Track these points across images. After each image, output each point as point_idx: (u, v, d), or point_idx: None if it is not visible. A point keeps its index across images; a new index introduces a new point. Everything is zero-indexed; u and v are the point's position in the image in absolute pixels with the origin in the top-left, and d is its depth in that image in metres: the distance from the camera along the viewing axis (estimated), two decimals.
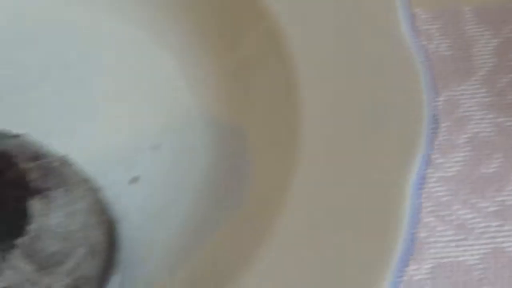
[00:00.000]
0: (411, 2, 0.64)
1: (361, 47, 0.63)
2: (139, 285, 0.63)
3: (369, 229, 0.56)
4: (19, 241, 0.53)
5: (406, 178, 0.56)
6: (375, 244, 0.55)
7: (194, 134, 0.68)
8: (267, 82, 0.66)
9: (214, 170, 0.66)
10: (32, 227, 0.53)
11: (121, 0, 0.73)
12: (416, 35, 0.62)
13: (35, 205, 0.54)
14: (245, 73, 0.68)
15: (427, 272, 0.64)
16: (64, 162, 0.56)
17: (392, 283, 0.52)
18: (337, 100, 0.62)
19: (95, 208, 0.59)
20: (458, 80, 0.72)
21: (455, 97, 0.71)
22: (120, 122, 0.68)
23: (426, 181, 0.60)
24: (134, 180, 0.66)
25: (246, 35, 0.69)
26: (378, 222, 0.56)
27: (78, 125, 0.66)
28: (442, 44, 0.73)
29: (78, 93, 0.71)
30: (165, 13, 0.72)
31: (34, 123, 0.64)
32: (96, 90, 0.71)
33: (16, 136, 0.57)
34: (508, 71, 0.72)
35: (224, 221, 0.64)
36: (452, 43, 0.73)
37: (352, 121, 0.60)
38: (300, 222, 0.59)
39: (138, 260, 0.64)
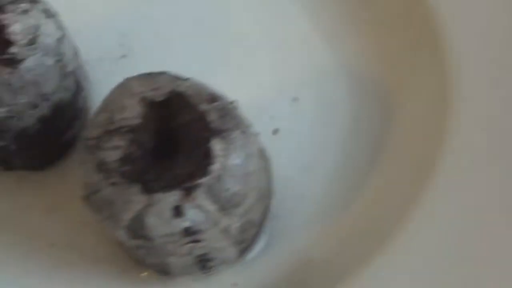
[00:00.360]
0: None
1: None
2: (287, 237, 0.63)
3: None
4: (203, 180, 0.53)
5: None
6: None
7: (332, 88, 0.69)
8: (409, 39, 0.67)
9: (355, 124, 0.67)
10: (215, 167, 0.53)
11: None
12: None
13: (216, 145, 0.54)
14: (384, 30, 0.69)
15: None
16: (236, 104, 0.56)
17: None
18: (493, 65, 0.63)
19: (261, 153, 0.59)
20: None
21: None
22: (259, 76, 0.69)
23: None
24: (276, 131, 0.66)
25: None
26: None
27: (220, 78, 0.65)
28: None
29: (218, 48, 0.72)
30: None
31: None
32: (235, 45, 0.72)
33: (187, 79, 0.57)
34: None
35: (373, 176, 0.64)
36: None
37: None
38: (450, 192, 0.60)
39: (286, 212, 0.64)
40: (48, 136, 0.62)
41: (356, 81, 0.69)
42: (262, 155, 0.59)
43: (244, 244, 0.60)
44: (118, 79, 0.68)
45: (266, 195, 0.59)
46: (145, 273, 0.62)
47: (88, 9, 0.70)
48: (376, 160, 0.65)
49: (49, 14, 0.61)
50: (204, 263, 0.59)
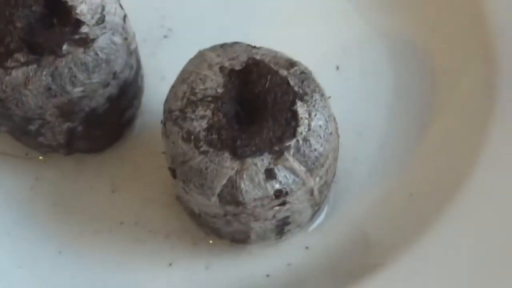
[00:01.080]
0: None
1: None
2: (346, 200, 0.66)
3: None
4: (292, 142, 0.55)
5: None
6: None
7: (373, 55, 0.72)
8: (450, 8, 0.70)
9: (399, 88, 0.69)
10: (301, 129, 0.55)
11: None
12: None
13: (301, 108, 0.56)
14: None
15: None
16: (310, 70, 0.58)
17: None
18: None
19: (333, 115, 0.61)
20: None
21: None
22: (300, 47, 0.70)
23: None
24: None
25: None
26: None
27: None
28: None
29: (258, 22, 0.74)
30: None
31: None
32: (274, 18, 0.74)
33: (260, 47, 0.59)
34: None
35: (423, 140, 0.67)
36: None
37: None
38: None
39: (343, 175, 0.66)
40: (112, 116, 0.63)
41: (396, 47, 0.72)
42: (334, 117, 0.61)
43: (317, 207, 0.62)
44: (164, 58, 0.70)
45: (337, 156, 0.61)
46: (216, 242, 0.63)
47: None
48: (425, 123, 0.67)
49: None
50: (281, 228, 0.60)
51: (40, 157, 0.67)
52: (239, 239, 0.61)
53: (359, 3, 0.74)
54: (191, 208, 0.59)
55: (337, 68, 0.71)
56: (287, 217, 0.58)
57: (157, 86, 0.69)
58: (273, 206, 0.56)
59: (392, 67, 0.71)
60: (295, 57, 0.63)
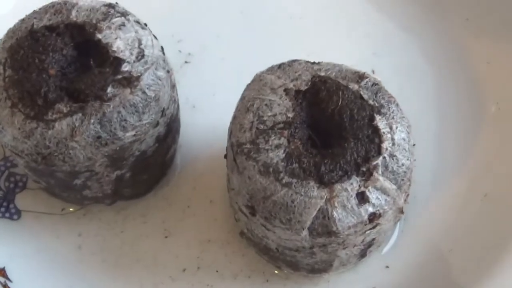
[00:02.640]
0: None
1: None
2: (417, 207, 0.62)
3: None
4: (379, 161, 0.51)
5: None
6: None
7: (407, 54, 0.69)
8: None
9: (442, 86, 0.67)
10: (385, 145, 0.51)
11: None
12: None
13: (381, 122, 0.52)
14: None
15: None
16: (379, 79, 0.54)
17: None
18: None
19: None
20: None
21: None
22: (332, 54, 0.66)
23: None
24: None
25: None
26: None
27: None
28: None
29: (282, 32, 0.71)
30: None
31: None
32: (298, 29, 0.71)
33: (319, 62, 0.55)
34: None
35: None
36: None
37: None
38: None
39: None
40: (159, 156, 0.58)
41: (429, 43, 0.69)
42: None
43: (396, 223, 0.58)
44: (189, 85, 0.65)
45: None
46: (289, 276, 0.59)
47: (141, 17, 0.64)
48: (479, 118, 0.65)
49: (142, 24, 0.56)
50: (365, 251, 0.56)
51: (71, 209, 0.62)
52: (318, 269, 0.56)
53: (383, 3, 0.69)
54: (266, 243, 0.54)
55: (373, 72, 0.67)
56: (374, 239, 0.54)
57: (190, 116, 0.65)
58: (365, 231, 0.51)
59: (428, 63, 0.68)
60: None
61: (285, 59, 0.62)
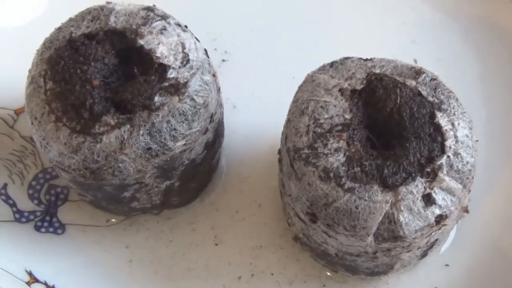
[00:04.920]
0: None
1: None
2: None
3: None
4: (443, 160, 0.49)
5: None
6: None
7: (448, 41, 0.67)
8: None
9: (487, 73, 0.65)
10: (449, 142, 0.49)
11: None
12: None
13: (442, 119, 0.50)
14: None
15: None
16: (436, 74, 0.52)
17: None
18: None
19: None
20: None
21: None
22: (372, 47, 0.64)
23: None
24: None
25: None
26: None
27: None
28: None
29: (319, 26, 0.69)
30: None
31: None
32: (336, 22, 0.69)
33: (372, 58, 0.52)
34: None
35: None
36: None
37: None
38: None
39: None
40: (207, 163, 0.56)
41: (470, 27, 0.67)
42: None
43: None
44: (228, 84, 0.62)
45: None
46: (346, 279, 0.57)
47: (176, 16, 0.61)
48: None
49: (183, 27, 0.54)
50: (427, 251, 0.54)
51: (113, 220, 0.60)
52: (378, 272, 0.54)
53: None
54: (324, 249, 0.52)
55: (415, 61, 0.64)
56: (436, 240, 0.52)
57: (231, 117, 0.63)
58: (431, 233, 0.49)
59: (472, 49, 0.65)
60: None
61: (321, 52, 0.60)
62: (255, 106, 0.63)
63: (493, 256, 0.57)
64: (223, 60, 0.65)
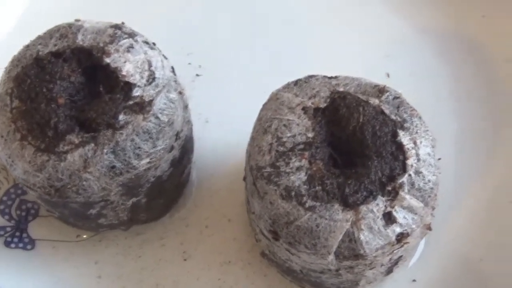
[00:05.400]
0: None
1: None
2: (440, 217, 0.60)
3: None
4: (404, 179, 0.49)
5: None
6: None
7: (421, 55, 0.67)
8: None
9: (458, 86, 0.65)
10: (410, 161, 0.49)
11: None
12: None
13: (404, 138, 0.50)
14: None
15: None
16: (399, 92, 0.52)
17: None
18: None
19: None
20: None
21: None
22: (345, 61, 0.66)
23: None
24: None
25: None
26: None
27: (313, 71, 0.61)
28: None
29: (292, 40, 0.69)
30: None
31: None
32: (313, 37, 0.69)
33: (336, 76, 0.53)
34: None
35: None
36: None
37: None
38: None
39: None
40: (175, 179, 0.56)
41: (443, 42, 0.67)
42: None
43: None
44: (201, 98, 0.62)
45: None
46: None
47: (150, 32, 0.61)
48: (498, 117, 0.63)
49: (151, 44, 0.54)
50: (392, 267, 0.54)
51: (84, 236, 0.60)
52: None
53: (394, 4, 0.68)
54: (289, 266, 0.53)
55: (388, 75, 0.65)
56: (400, 256, 0.52)
57: (203, 132, 0.63)
58: (393, 251, 0.49)
59: (444, 63, 0.66)
60: (344, 74, 0.57)
61: (296, 67, 0.60)
62: (227, 121, 0.64)
63: (461, 271, 0.58)
64: (197, 75, 0.66)
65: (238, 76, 0.66)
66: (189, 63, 0.66)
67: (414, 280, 0.57)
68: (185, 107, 0.54)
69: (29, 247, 0.58)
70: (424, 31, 0.67)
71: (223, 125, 0.63)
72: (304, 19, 0.68)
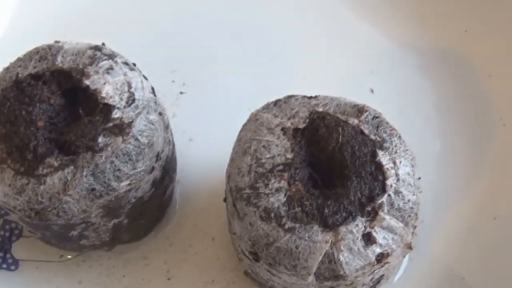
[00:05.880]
0: None
1: None
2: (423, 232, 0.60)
3: None
4: (384, 199, 0.49)
5: None
6: None
7: (405, 71, 0.67)
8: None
9: (442, 101, 0.65)
10: (390, 182, 0.49)
11: None
12: None
13: (384, 158, 0.50)
14: None
15: None
16: (379, 112, 0.52)
17: None
18: None
19: None
20: None
21: None
22: (328, 77, 0.67)
23: None
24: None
25: None
26: None
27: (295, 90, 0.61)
28: None
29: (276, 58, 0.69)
30: None
31: None
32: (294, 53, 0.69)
33: (316, 96, 0.53)
34: None
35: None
36: None
37: None
38: None
39: None
40: (157, 199, 0.56)
41: (427, 57, 0.67)
42: None
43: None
44: (186, 117, 0.62)
45: None
46: None
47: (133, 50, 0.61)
48: (482, 133, 0.63)
49: (131, 65, 0.54)
50: (375, 286, 0.54)
51: (69, 257, 0.60)
52: None
53: (377, 21, 0.68)
54: (271, 285, 0.53)
55: (372, 91, 0.65)
56: (382, 275, 0.52)
57: (187, 150, 0.63)
58: (374, 271, 0.49)
59: (428, 79, 0.66)
60: (327, 90, 0.57)
61: (279, 84, 0.60)
62: (210, 139, 0.64)
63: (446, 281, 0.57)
64: (181, 92, 0.66)
65: (223, 93, 0.66)
66: (173, 81, 0.66)
67: None
68: (166, 127, 0.54)
69: (13, 267, 0.58)
70: (408, 47, 0.67)
71: (207, 143, 0.63)
72: (288, 37, 0.68)
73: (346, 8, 0.69)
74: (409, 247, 0.51)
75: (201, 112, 0.65)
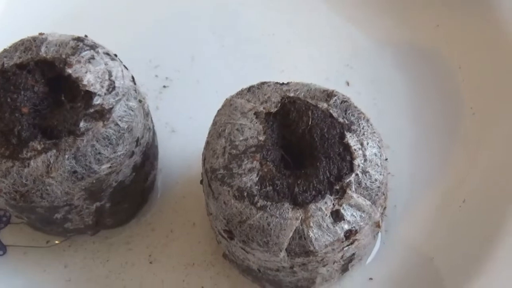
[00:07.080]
0: None
1: None
2: (396, 217, 0.62)
3: None
4: (351, 178, 0.51)
5: None
6: None
7: (380, 64, 0.70)
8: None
9: (416, 93, 0.67)
10: (357, 162, 0.52)
11: None
12: None
13: (352, 140, 0.52)
14: None
15: None
16: (347, 96, 0.55)
17: None
18: None
19: None
20: None
21: None
22: (305, 69, 0.70)
23: None
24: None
25: None
26: None
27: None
28: None
29: (255, 50, 0.72)
30: None
31: None
32: (271, 45, 0.72)
33: (288, 83, 0.55)
34: None
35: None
36: None
37: None
38: None
39: None
40: (138, 184, 0.58)
41: (401, 52, 0.69)
42: None
43: (376, 236, 0.58)
44: (168, 109, 0.65)
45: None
46: None
47: (115, 44, 0.64)
48: (454, 124, 0.65)
49: (112, 55, 0.56)
50: (347, 265, 0.56)
51: (56, 242, 0.62)
52: (302, 287, 0.57)
53: (353, 16, 0.71)
54: (247, 265, 0.55)
55: (347, 84, 0.67)
56: (354, 254, 0.54)
57: (169, 141, 0.66)
58: (343, 248, 0.52)
59: (401, 72, 0.68)
60: (305, 81, 0.59)
61: (258, 77, 0.63)
62: (192, 130, 0.66)
63: (414, 269, 0.60)
64: (164, 86, 0.68)
65: (203, 87, 0.68)
66: (156, 75, 0.69)
67: (370, 279, 0.59)
68: (146, 115, 0.57)
69: (0, 252, 0.61)
70: (383, 42, 0.69)
71: (187, 135, 0.66)
72: (265, 30, 0.70)
73: (324, 4, 0.71)
74: (378, 225, 0.53)
75: (183, 105, 0.67)
